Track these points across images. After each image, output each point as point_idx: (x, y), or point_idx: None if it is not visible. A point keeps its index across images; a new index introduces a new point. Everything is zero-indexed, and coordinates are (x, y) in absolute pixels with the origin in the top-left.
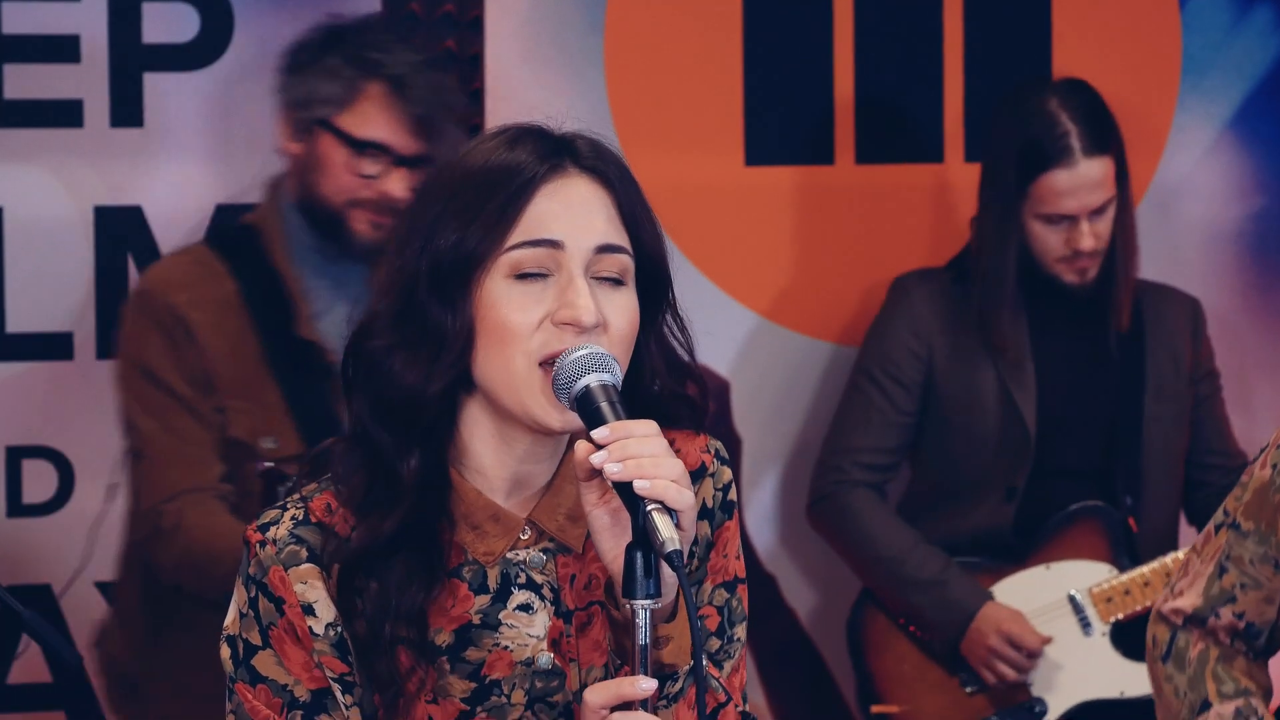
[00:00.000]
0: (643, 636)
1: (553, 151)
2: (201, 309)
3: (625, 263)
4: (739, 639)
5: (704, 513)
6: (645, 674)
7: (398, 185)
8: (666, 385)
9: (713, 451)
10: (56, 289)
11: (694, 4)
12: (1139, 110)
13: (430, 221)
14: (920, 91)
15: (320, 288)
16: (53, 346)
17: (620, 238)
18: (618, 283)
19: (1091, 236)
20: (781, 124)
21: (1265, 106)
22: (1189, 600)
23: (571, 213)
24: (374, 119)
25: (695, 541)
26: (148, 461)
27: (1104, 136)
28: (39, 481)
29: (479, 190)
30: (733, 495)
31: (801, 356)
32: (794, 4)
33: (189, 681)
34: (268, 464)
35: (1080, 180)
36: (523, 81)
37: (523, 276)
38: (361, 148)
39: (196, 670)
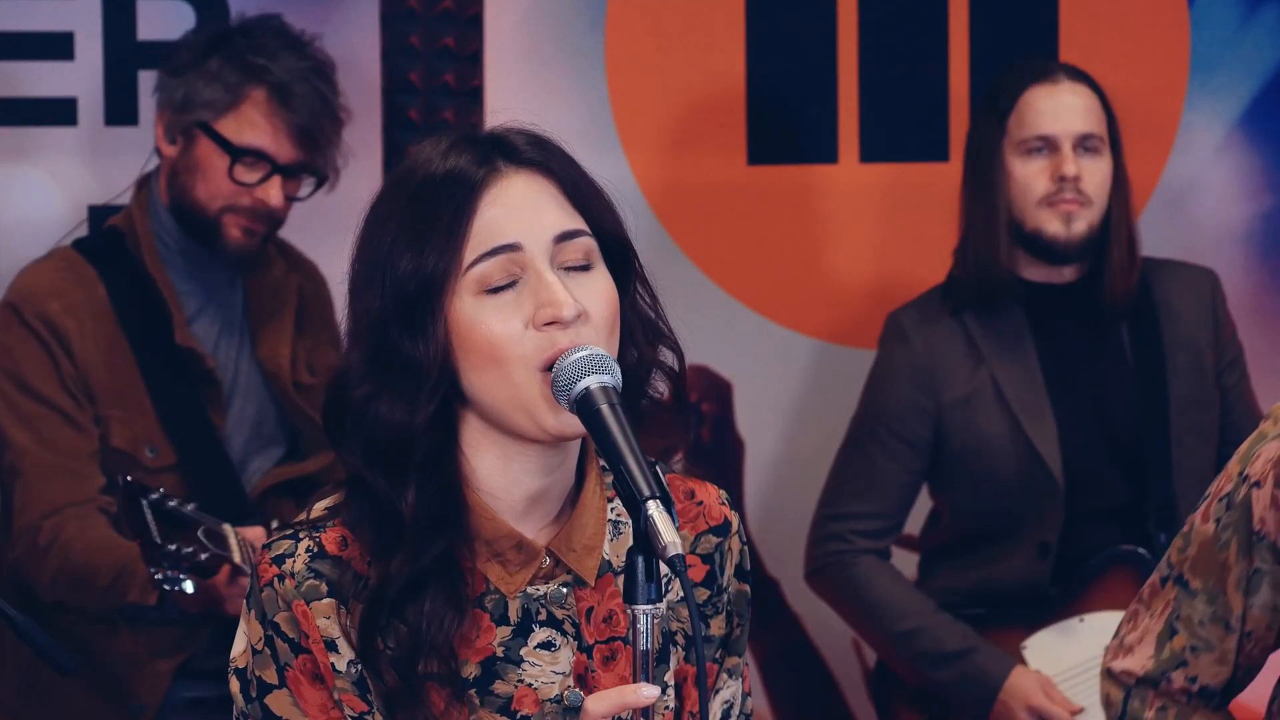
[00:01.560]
0: (644, 642)
1: (485, 156)
2: (75, 316)
3: (588, 245)
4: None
5: (738, 572)
6: (648, 679)
7: (275, 194)
8: (646, 355)
9: (727, 503)
10: None
11: (696, 1)
12: (1146, 108)
13: (383, 256)
14: (925, 89)
15: (189, 292)
16: None
17: (575, 222)
18: (586, 267)
19: (1075, 165)
20: (785, 122)
21: (1274, 104)
22: (1138, 661)
23: (520, 212)
24: (255, 126)
25: (732, 601)
26: (25, 478)
27: (1092, 80)
28: None
29: (422, 212)
30: (746, 544)
31: (805, 358)
32: (797, 1)
33: (82, 709)
34: (129, 478)
35: (1062, 98)
36: (522, 79)
37: (493, 290)
38: (240, 154)
39: (91, 694)
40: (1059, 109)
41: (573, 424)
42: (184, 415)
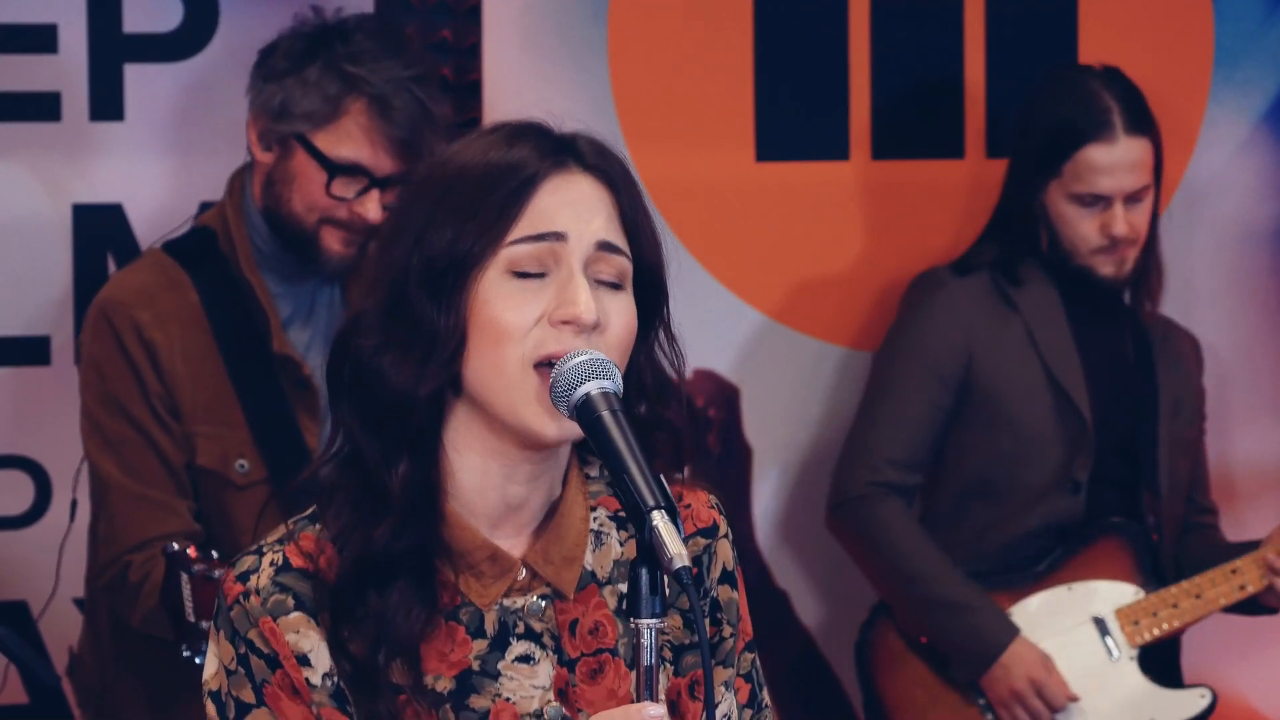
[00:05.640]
0: (648, 657)
1: (555, 150)
2: (166, 328)
3: (624, 265)
4: (767, 704)
5: (727, 578)
6: (652, 696)
7: (373, 208)
8: (651, 407)
9: (717, 507)
10: (33, 291)
11: None
12: (1169, 104)
13: (423, 217)
14: (940, 84)
15: (282, 296)
16: (29, 351)
17: (620, 240)
18: (616, 286)
19: (1126, 223)
20: (795, 118)
21: None
22: None
23: (575, 208)
24: (353, 139)
25: (721, 608)
26: (111, 510)
27: (1145, 119)
28: (15, 493)
29: (477, 187)
30: (735, 551)
31: (815, 361)
32: None
33: (164, 696)
34: (174, 546)
35: (1119, 158)
36: (522, 73)
37: (521, 275)
38: (338, 170)
39: (167, 697)
40: (1115, 169)
41: (571, 431)
42: (276, 426)
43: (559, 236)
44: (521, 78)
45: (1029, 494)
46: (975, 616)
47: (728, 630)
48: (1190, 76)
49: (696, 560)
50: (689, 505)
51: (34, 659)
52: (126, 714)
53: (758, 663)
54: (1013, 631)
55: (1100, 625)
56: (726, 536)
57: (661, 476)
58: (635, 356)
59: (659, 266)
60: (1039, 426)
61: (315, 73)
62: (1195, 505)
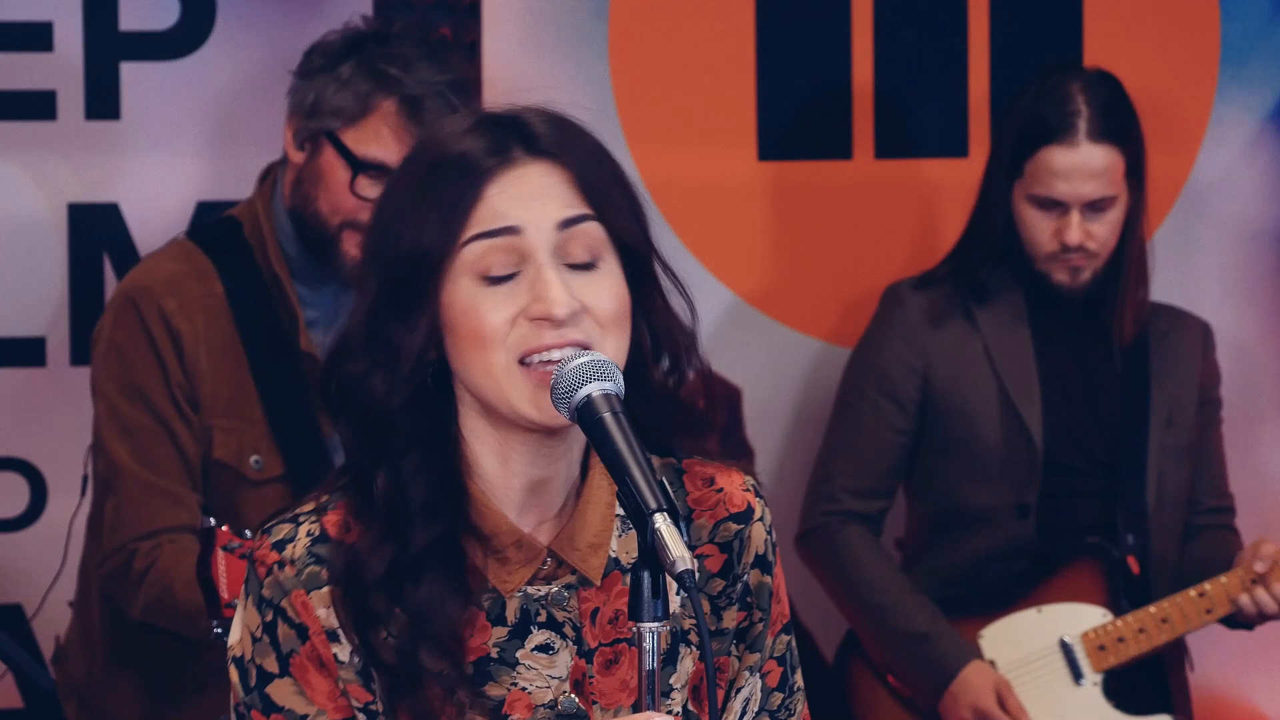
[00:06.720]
0: (650, 661)
1: (502, 142)
2: (191, 317)
3: (593, 234)
4: (799, 687)
5: (759, 562)
6: (653, 699)
7: None
8: (665, 379)
9: (753, 489)
10: (28, 291)
11: None
12: (1174, 103)
13: (387, 226)
14: (943, 82)
15: (305, 300)
16: (24, 352)
17: (582, 209)
18: (591, 266)
19: (1081, 231)
20: (797, 117)
21: None
22: None
23: (525, 199)
24: (381, 138)
25: (751, 593)
26: (120, 497)
27: (1117, 127)
28: (9, 495)
29: (429, 189)
30: (773, 534)
31: (818, 363)
32: None
33: (161, 691)
34: (211, 521)
35: (1078, 163)
36: (522, 71)
37: (493, 280)
38: (363, 168)
39: (161, 692)
40: (1073, 174)
41: (556, 417)
42: (296, 424)
43: (513, 230)
44: (521, 75)
45: (986, 518)
46: (928, 645)
47: (757, 615)
48: (1196, 75)
49: (727, 546)
50: (721, 489)
51: (29, 664)
52: (116, 708)
53: (793, 645)
54: (966, 658)
55: (1066, 649)
56: (761, 520)
57: (665, 480)
58: (637, 323)
59: (638, 230)
60: (992, 448)
61: (348, 70)
62: (1201, 507)
